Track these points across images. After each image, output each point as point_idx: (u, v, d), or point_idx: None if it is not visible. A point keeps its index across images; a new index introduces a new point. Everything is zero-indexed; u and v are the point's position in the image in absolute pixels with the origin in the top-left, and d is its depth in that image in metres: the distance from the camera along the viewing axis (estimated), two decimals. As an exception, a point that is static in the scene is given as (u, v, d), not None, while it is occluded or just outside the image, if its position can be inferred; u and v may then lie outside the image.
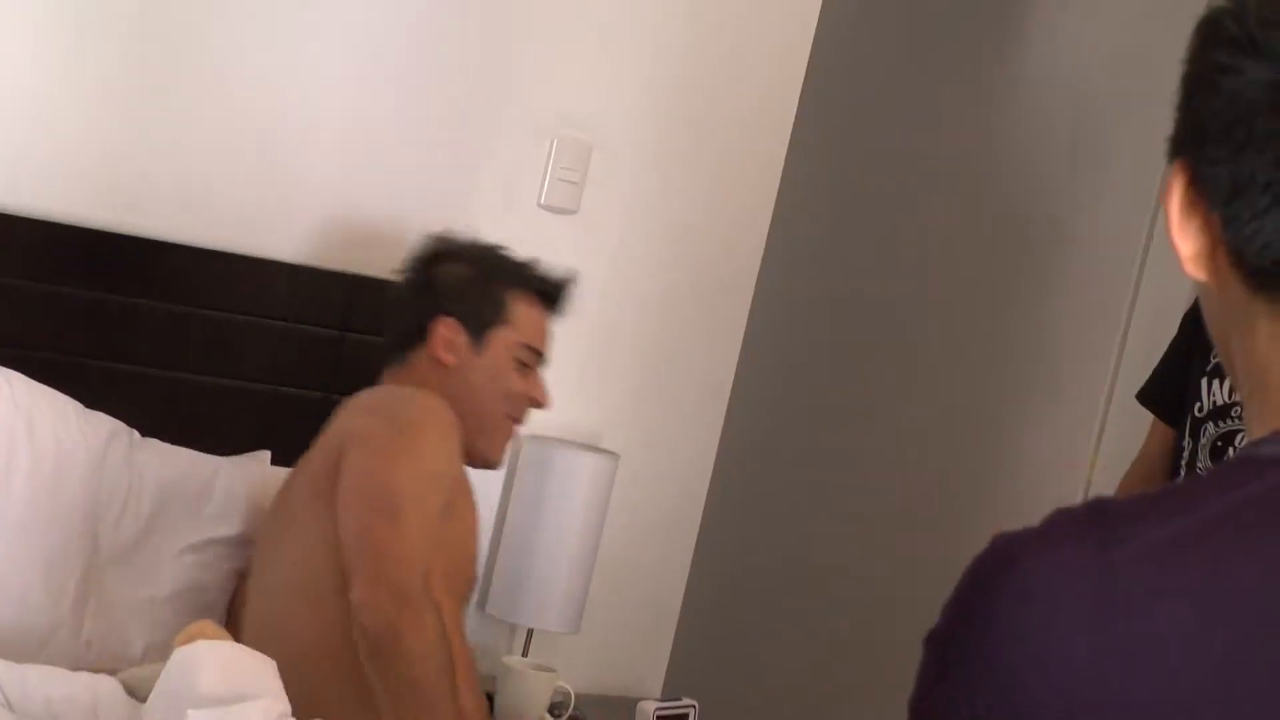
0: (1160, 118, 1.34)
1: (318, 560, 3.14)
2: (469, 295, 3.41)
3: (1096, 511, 1.14)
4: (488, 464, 3.40)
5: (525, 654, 4.02)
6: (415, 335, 3.39)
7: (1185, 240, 1.22)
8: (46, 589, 3.31)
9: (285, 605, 3.19)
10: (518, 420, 3.44)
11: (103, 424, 3.46)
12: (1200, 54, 1.21)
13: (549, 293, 3.52)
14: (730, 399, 4.40)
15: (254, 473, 3.60)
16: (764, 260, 4.39)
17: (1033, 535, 1.13)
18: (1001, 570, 1.12)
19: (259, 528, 3.39)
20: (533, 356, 3.43)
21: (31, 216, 3.50)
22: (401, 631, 2.95)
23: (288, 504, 3.26)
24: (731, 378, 4.39)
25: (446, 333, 3.37)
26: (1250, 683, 1.08)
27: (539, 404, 3.45)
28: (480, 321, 3.40)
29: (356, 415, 3.20)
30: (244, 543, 3.55)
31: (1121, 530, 1.11)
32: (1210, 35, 1.20)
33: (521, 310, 3.46)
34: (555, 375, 4.14)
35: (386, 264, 3.88)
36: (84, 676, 3.08)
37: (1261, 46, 1.17)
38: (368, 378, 3.83)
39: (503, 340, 3.40)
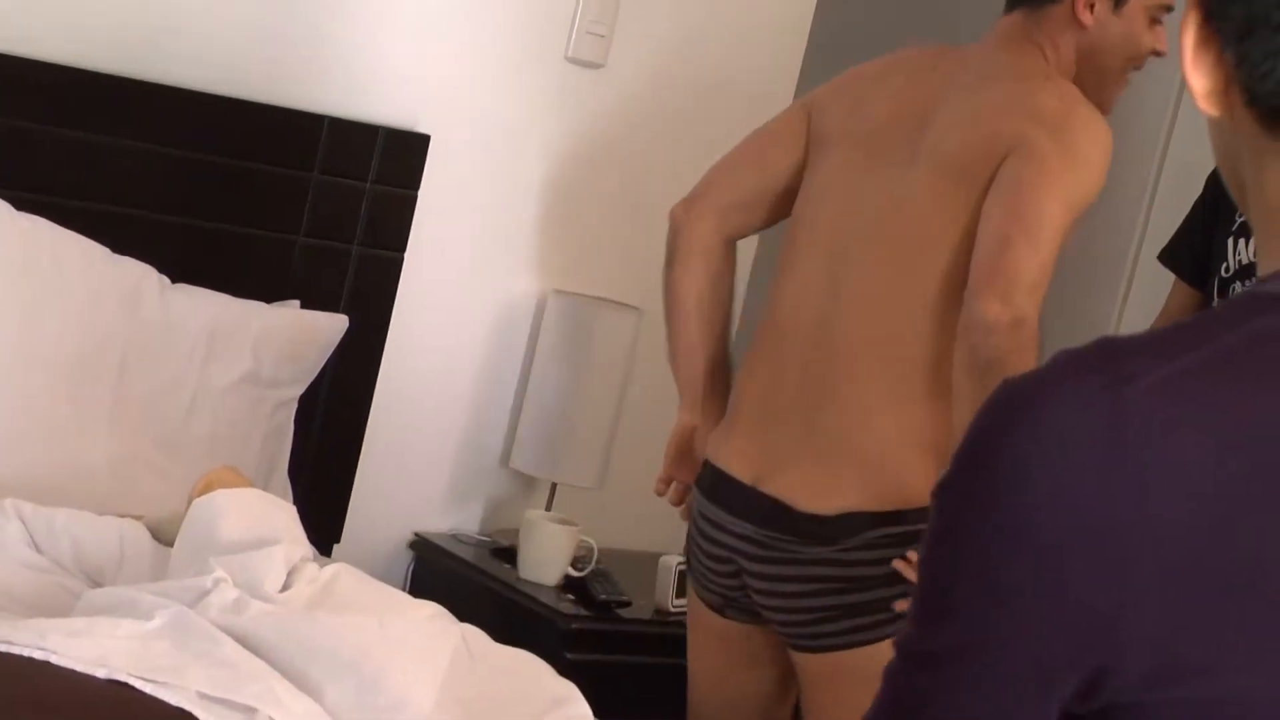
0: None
1: (941, 241, 3.01)
2: None
3: (1103, 349, 1.14)
4: (1102, 111, 3.20)
5: (549, 508, 4.04)
6: None
7: (1199, 77, 1.21)
8: (77, 429, 3.34)
9: (878, 279, 3.06)
10: (1138, 68, 3.30)
11: (133, 268, 3.48)
12: None
13: None
14: (756, 253, 4.39)
15: (287, 318, 3.63)
16: (791, 117, 4.37)
17: (1039, 376, 1.13)
18: (1010, 412, 1.13)
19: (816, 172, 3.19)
20: (1163, 12, 3.28)
21: (51, 61, 3.50)
22: (1007, 364, 2.84)
23: (882, 155, 3.11)
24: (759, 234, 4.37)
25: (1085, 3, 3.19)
26: (1259, 513, 1.09)
27: (1161, 53, 3.28)
28: None
29: (1020, 117, 3.03)
30: (278, 384, 3.58)
31: (1129, 365, 1.12)
32: None
33: None
34: (580, 230, 4.14)
35: (411, 116, 3.87)
36: (111, 520, 3.11)
37: None
38: (392, 230, 3.84)
39: (1141, 3, 3.23)
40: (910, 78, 3.18)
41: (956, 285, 2.98)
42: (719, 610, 3.24)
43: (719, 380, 3.30)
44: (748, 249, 4.13)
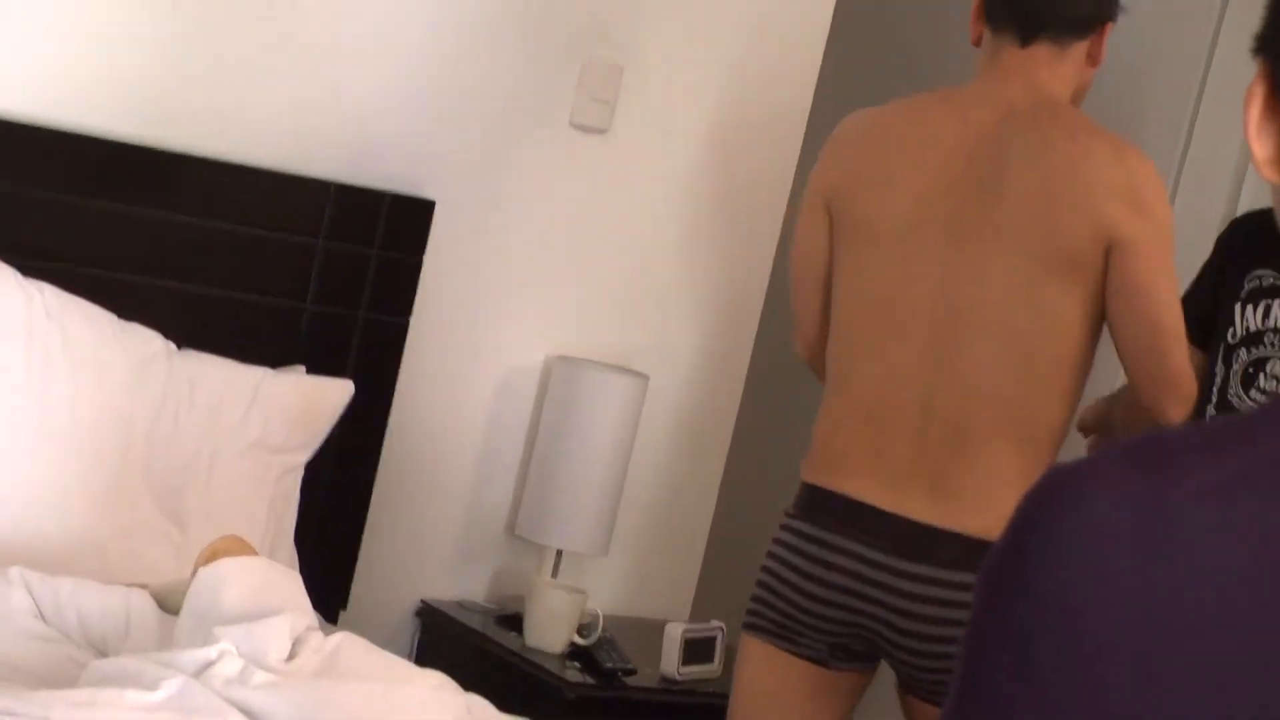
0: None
1: (1045, 327, 3.13)
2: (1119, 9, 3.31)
3: (1152, 446, 1.12)
4: None
5: (554, 575, 4.03)
6: (1085, 28, 3.23)
7: (1262, 144, 1.19)
8: (86, 498, 3.33)
9: (996, 360, 3.14)
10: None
11: (140, 335, 3.48)
12: None
13: None
14: (761, 320, 4.39)
15: (294, 384, 3.62)
16: (796, 181, 4.37)
17: (1088, 468, 1.12)
18: (1057, 502, 1.12)
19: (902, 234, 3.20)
20: None
21: (64, 129, 3.51)
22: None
23: (970, 243, 3.15)
24: (763, 299, 4.38)
25: (1103, 39, 3.27)
26: None
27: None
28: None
29: (1110, 197, 3.10)
30: (284, 450, 3.57)
31: (1178, 466, 1.10)
32: None
33: None
34: (584, 296, 4.14)
35: (417, 183, 3.88)
36: (116, 590, 3.10)
37: None
38: (397, 297, 3.84)
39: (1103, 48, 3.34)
40: (946, 143, 3.19)
41: (1077, 360, 3.15)
42: (820, 661, 3.24)
43: None
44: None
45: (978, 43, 3.28)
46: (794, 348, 3.45)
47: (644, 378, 4.06)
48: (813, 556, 3.21)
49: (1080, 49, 3.23)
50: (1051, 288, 3.11)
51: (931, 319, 3.16)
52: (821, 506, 3.22)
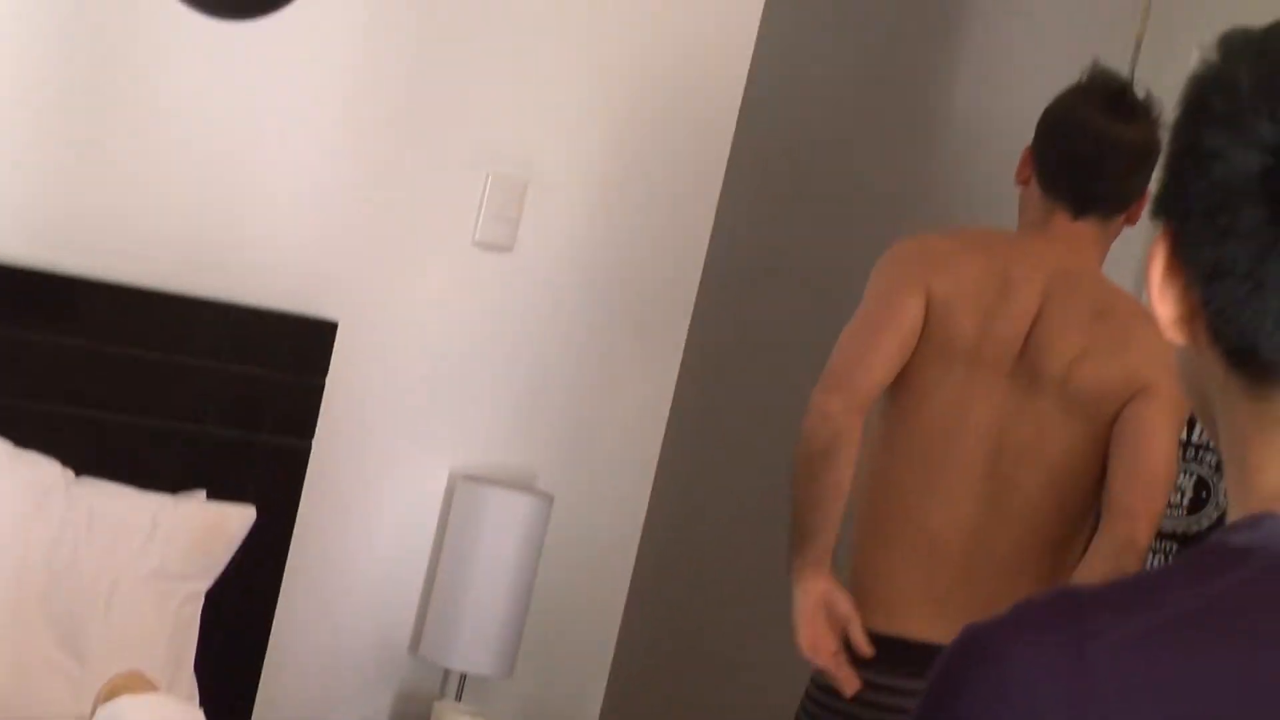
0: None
1: (1076, 463, 3.33)
2: None
3: (1067, 602, 1.13)
4: None
5: (459, 698, 3.98)
6: (1130, 203, 3.42)
7: (1165, 305, 1.20)
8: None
9: (1040, 496, 3.34)
10: None
11: (36, 463, 3.41)
12: (1186, 129, 1.17)
13: None
14: (665, 439, 4.38)
15: (194, 511, 3.56)
16: (699, 298, 4.37)
17: (1003, 625, 1.13)
18: (973, 663, 1.12)
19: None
20: None
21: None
22: (1140, 553, 3.23)
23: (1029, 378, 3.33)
24: (666, 417, 4.36)
25: (1142, 204, 3.42)
26: None
27: None
28: None
29: (1140, 363, 3.30)
30: (185, 578, 3.51)
31: (1094, 622, 1.11)
32: (1198, 111, 1.16)
33: None
34: (489, 414, 4.11)
35: (318, 303, 3.84)
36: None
37: (1251, 131, 1.13)
38: (299, 419, 3.79)
39: None
40: (1027, 295, 3.36)
41: (1095, 493, 3.35)
42: None
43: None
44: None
45: (1025, 183, 3.46)
46: (824, 406, 3.38)
47: (548, 498, 4.03)
48: (886, 706, 3.30)
49: (1122, 216, 3.44)
50: (1079, 425, 3.31)
51: (985, 457, 3.33)
52: (890, 654, 3.33)
